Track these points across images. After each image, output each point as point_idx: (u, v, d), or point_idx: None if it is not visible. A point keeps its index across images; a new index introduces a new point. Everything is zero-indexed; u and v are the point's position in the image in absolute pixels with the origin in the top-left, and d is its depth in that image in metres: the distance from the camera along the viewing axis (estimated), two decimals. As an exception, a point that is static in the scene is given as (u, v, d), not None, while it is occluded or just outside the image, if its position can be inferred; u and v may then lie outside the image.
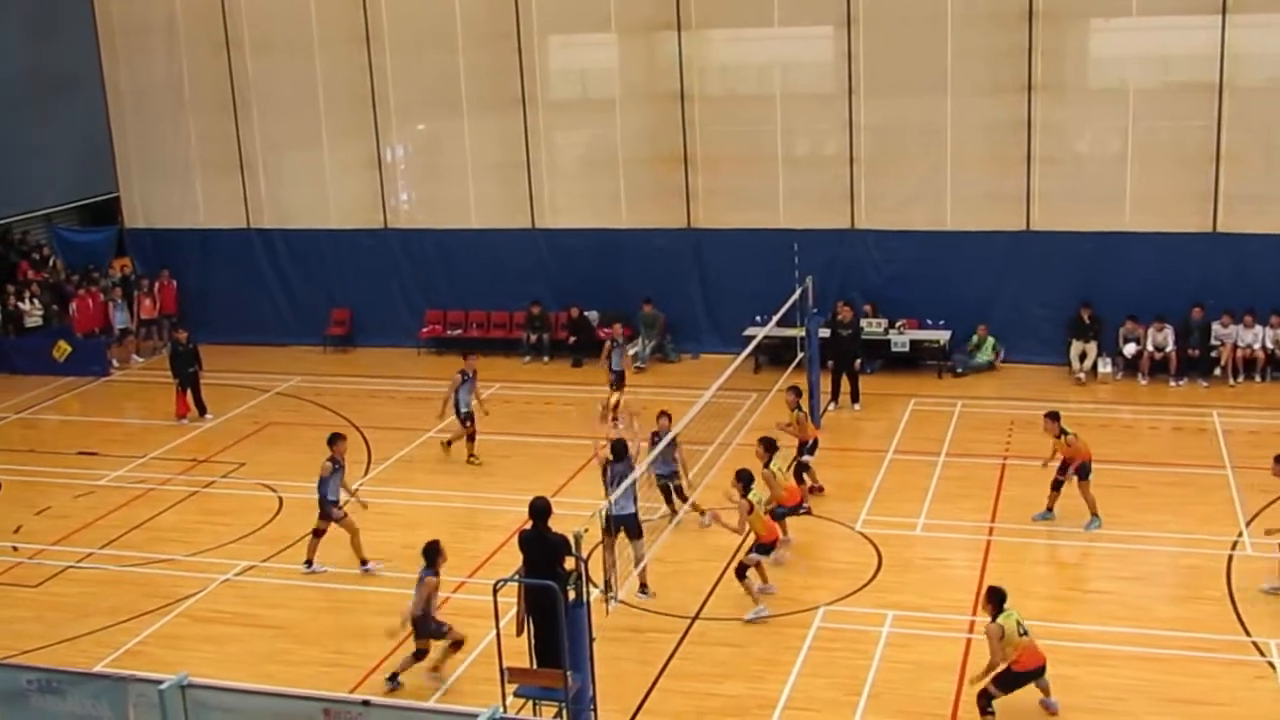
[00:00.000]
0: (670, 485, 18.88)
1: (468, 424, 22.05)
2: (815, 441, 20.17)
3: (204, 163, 30.84)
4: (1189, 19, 25.02)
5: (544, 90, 28.66)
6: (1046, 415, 18.84)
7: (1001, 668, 13.70)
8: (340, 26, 29.12)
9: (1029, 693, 13.91)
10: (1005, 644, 13.66)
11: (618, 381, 23.74)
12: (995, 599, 13.84)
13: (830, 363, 24.31)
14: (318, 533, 18.25)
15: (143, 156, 31.33)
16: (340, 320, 30.29)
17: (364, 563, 18.18)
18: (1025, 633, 13.74)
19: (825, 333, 24.28)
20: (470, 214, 29.43)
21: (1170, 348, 25.08)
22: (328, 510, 18.10)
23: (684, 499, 18.96)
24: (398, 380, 27.55)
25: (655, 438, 18.38)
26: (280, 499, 21.09)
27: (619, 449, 16.26)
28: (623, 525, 16.11)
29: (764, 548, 16.39)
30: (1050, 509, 18.85)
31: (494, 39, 28.34)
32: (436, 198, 30.10)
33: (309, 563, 18.31)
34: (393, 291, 29.94)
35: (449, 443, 22.35)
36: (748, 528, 16.46)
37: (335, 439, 18.43)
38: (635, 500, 16.24)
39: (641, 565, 16.46)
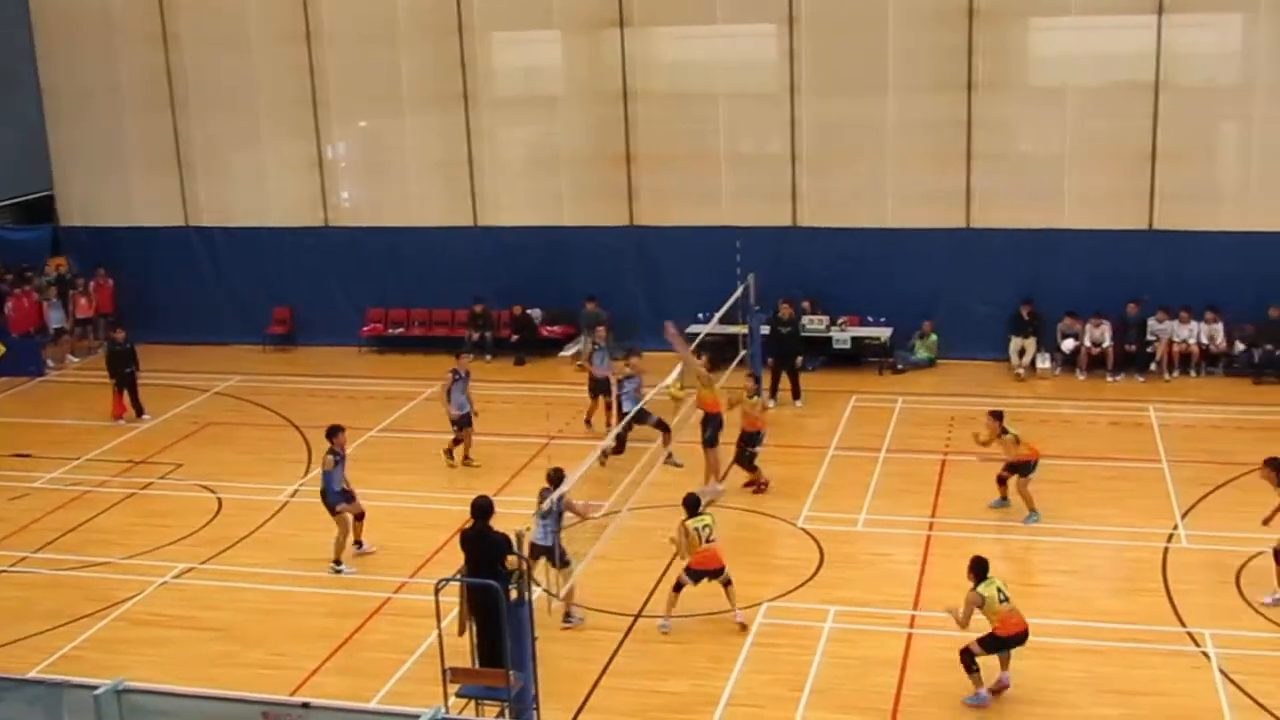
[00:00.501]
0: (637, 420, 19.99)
1: (459, 429, 21.73)
2: (762, 434, 20.27)
3: (141, 160, 30.48)
4: (1127, 19, 25.32)
5: (487, 88, 28.56)
6: (990, 414, 19.02)
7: (965, 624, 14.30)
8: (280, 22, 28.88)
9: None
10: (986, 611, 14.16)
11: (598, 386, 23.00)
12: (978, 568, 14.37)
13: (769, 360, 24.39)
14: (359, 517, 18.36)
15: (79, 153, 30.94)
16: (281, 319, 30.04)
17: (337, 562, 18.07)
18: (1006, 599, 14.23)
19: (767, 330, 24.36)
20: (412, 212, 29.27)
21: (1108, 343, 25.36)
22: (333, 503, 18.02)
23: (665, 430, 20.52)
24: (339, 379, 27.37)
25: (623, 383, 21.09)
26: (219, 500, 20.90)
27: (556, 476, 16.03)
28: (542, 554, 15.95)
29: (695, 573, 16.06)
30: (1004, 497, 19.14)
31: (436, 36, 28.20)
32: (378, 195, 29.93)
33: (359, 543, 18.47)
34: (334, 290, 29.74)
35: (467, 456, 21.94)
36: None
37: (335, 431, 18.37)
38: (555, 535, 15.95)
39: (568, 588, 16.26)
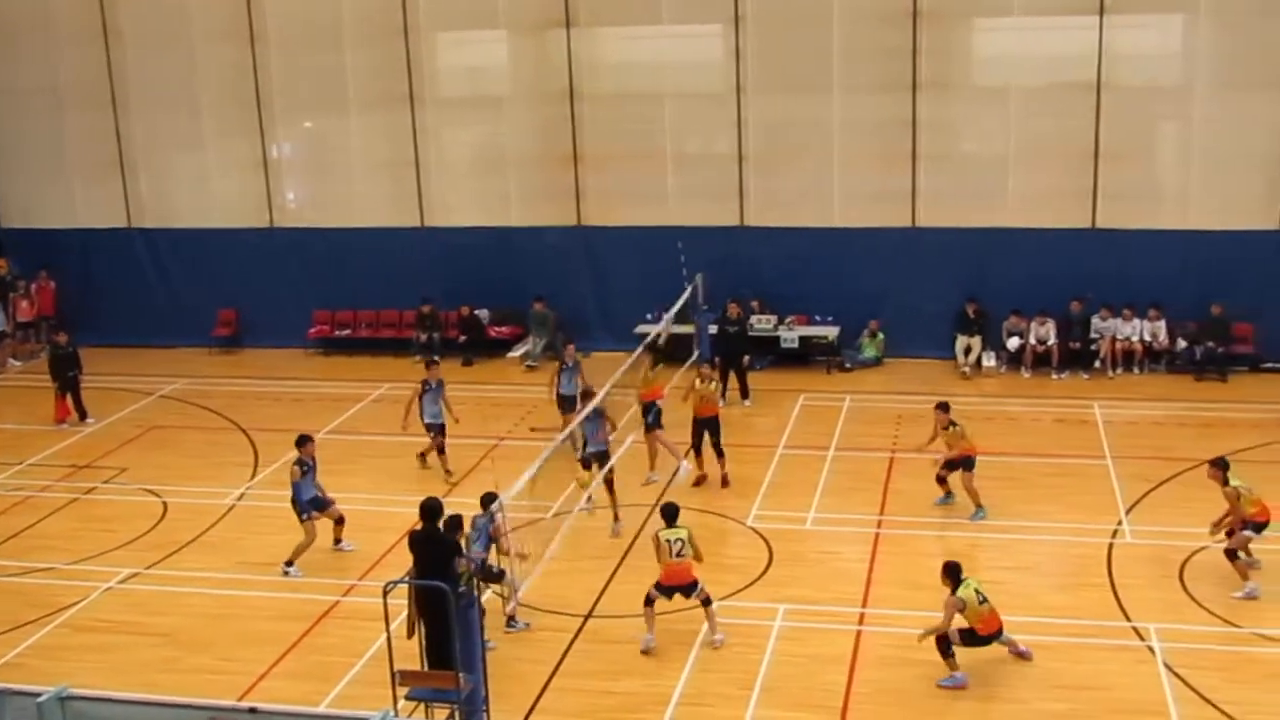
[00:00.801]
0: (598, 463, 19.06)
1: (435, 436, 21.21)
2: (717, 420, 20.47)
3: (83, 160, 30.15)
4: (1068, 19, 25.52)
5: (433, 88, 28.46)
6: (937, 406, 19.20)
7: (947, 628, 14.53)
8: (222, 22, 28.64)
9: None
10: (968, 614, 14.47)
11: (567, 407, 21.54)
12: (952, 573, 14.64)
13: (717, 359, 24.45)
14: (339, 521, 18.39)
15: (18, 154, 30.55)
16: (226, 321, 29.81)
17: (289, 564, 17.99)
18: (985, 600, 14.58)
19: (715, 329, 24.40)
20: (359, 212, 29.12)
21: (1052, 341, 25.59)
22: (301, 511, 17.93)
23: (610, 486, 18.99)
24: (285, 381, 27.18)
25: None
26: (165, 504, 20.69)
27: (487, 499, 15.97)
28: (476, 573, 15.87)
29: (664, 588, 15.65)
30: (948, 493, 19.31)
31: (382, 36, 28.07)
32: (324, 196, 29.75)
33: (337, 541, 18.54)
34: (280, 291, 29.50)
35: (423, 454, 21.61)
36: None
37: (303, 440, 18.27)
38: (483, 557, 15.76)
39: (514, 596, 16.24)
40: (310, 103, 29.26)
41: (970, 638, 14.65)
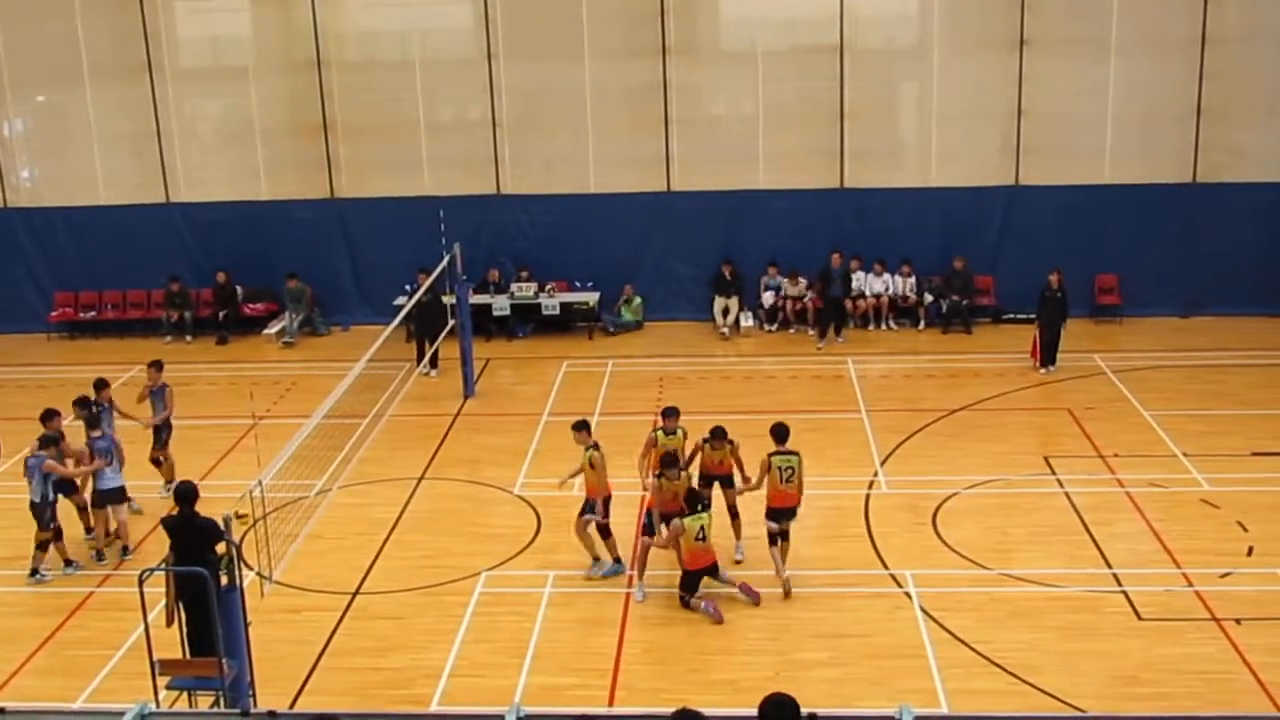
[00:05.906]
0: None
1: None
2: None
3: None
4: (810, -18, 26.18)
5: (172, 58, 27.50)
6: (574, 426, 17.06)
7: (665, 547, 15.56)
8: (-59, -9, 27.11)
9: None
10: (683, 541, 15.21)
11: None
12: (689, 499, 15.50)
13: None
14: (83, 509, 17.71)
15: None
16: (-42, 307, 28.32)
17: (34, 572, 17.09)
18: (703, 539, 15.28)
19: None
20: (99, 189, 27.95)
21: (807, 297, 26.11)
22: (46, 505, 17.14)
23: None
24: (26, 368, 25.94)
25: None
26: (-102, 502, 19.57)
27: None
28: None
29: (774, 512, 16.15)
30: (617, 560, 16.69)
31: (115, 4, 26.95)
32: (62, 173, 28.46)
33: (89, 530, 17.76)
34: (17, 274, 28.16)
35: None
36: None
37: (49, 415, 17.63)
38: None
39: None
40: (42, 75, 27.92)
41: (686, 581, 15.40)
